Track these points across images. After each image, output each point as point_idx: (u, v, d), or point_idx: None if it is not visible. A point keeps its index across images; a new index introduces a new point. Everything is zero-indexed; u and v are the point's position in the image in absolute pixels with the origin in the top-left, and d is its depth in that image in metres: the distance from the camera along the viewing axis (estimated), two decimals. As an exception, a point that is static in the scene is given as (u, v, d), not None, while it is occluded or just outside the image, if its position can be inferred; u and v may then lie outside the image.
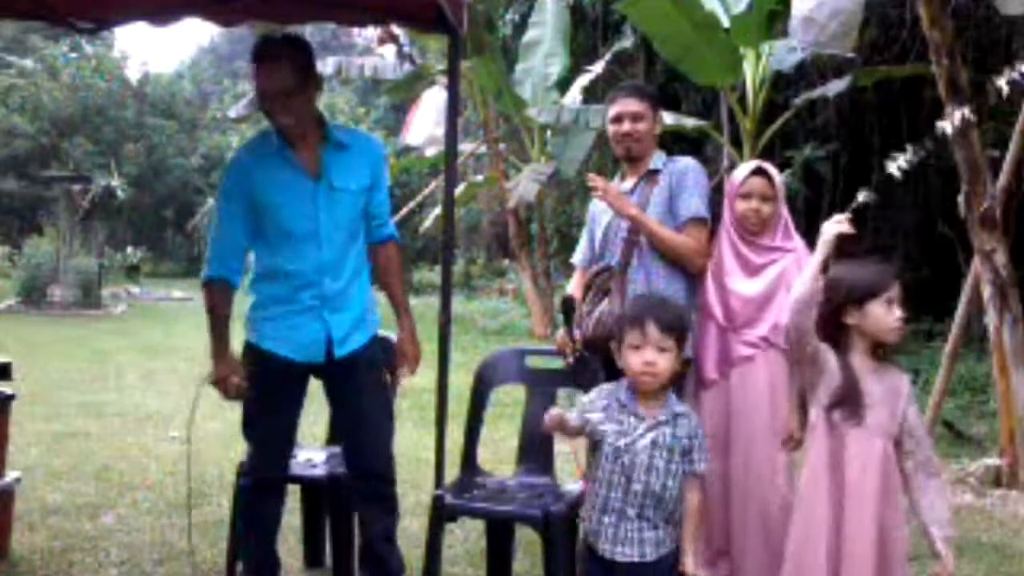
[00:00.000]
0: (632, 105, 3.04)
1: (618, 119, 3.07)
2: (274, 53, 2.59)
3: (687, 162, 3.07)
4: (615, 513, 2.22)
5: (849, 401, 2.33)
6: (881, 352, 2.39)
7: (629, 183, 3.10)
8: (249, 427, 2.84)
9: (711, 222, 3.04)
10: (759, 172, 2.95)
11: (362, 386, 2.79)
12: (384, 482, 2.84)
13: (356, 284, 2.80)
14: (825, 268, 2.79)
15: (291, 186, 2.67)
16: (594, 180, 2.96)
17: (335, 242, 2.72)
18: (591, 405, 2.31)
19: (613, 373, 2.93)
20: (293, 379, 2.78)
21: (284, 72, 2.59)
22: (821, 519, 2.34)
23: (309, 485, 3.26)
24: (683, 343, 2.24)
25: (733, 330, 2.93)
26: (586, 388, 3.07)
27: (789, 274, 2.85)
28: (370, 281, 2.87)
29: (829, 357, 2.38)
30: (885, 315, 2.33)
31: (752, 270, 2.92)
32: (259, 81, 2.61)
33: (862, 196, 2.51)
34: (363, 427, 2.79)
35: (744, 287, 2.92)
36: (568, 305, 3.10)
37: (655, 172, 3.05)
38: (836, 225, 2.36)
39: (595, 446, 2.30)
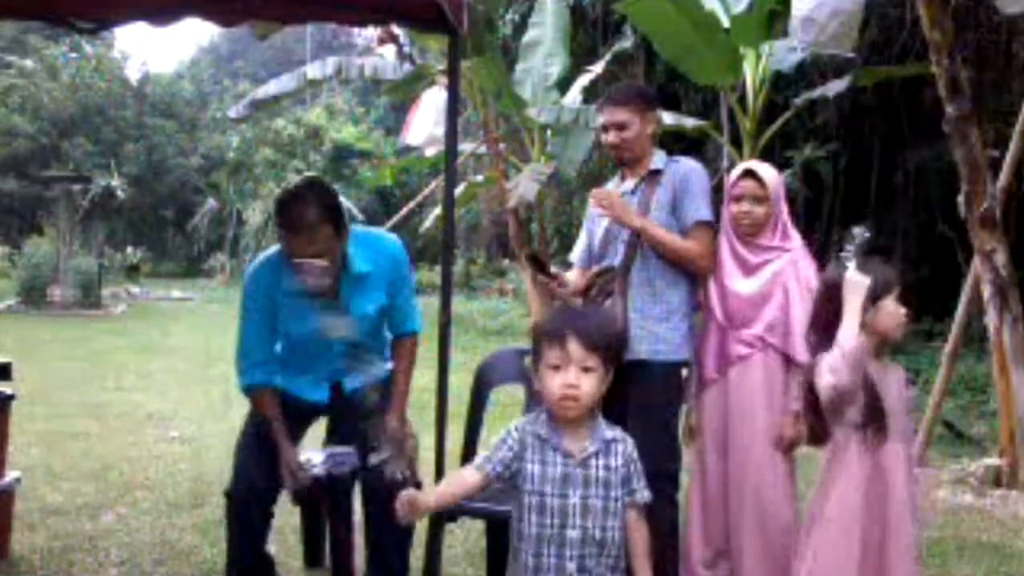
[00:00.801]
0: (616, 114, 3.02)
1: (605, 129, 3.07)
2: (306, 221, 2.54)
3: (689, 164, 3.06)
4: (552, 572, 1.87)
5: (877, 418, 2.33)
6: (883, 351, 2.39)
7: (630, 183, 3.09)
8: (243, 445, 2.84)
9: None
10: (749, 174, 2.95)
11: (379, 398, 2.80)
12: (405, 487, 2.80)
13: (373, 361, 2.90)
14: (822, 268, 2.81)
15: (308, 315, 2.73)
16: (598, 197, 2.95)
17: (349, 353, 2.82)
18: (500, 449, 1.96)
19: (614, 376, 2.94)
20: (298, 412, 2.81)
21: (317, 239, 2.56)
22: (854, 538, 2.31)
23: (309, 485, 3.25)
24: (611, 363, 1.92)
25: (732, 329, 2.94)
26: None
27: (784, 274, 2.87)
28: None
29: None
30: (897, 310, 2.35)
31: (749, 269, 2.93)
32: (290, 247, 2.59)
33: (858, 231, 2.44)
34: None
35: (741, 286, 2.93)
36: (533, 259, 3.13)
37: (657, 172, 3.04)
38: (862, 280, 2.29)
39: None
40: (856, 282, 2.30)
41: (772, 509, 2.83)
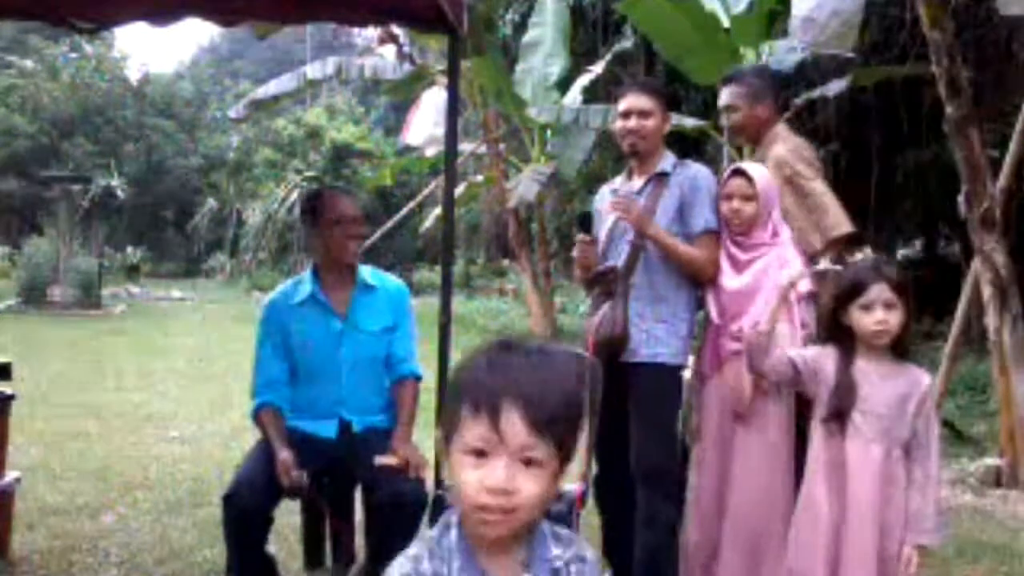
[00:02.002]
0: (641, 101, 3.01)
1: (626, 115, 3.03)
2: (344, 189, 2.98)
3: (698, 170, 3.05)
4: None
5: (841, 411, 2.34)
6: (900, 351, 2.37)
7: (637, 183, 3.07)
8: (248, 457, 2.83)
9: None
10: (738, 173, 2.97)
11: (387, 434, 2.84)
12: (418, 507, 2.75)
13: (376, 404, 2.96)
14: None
15: (320, 327, 2.90)
16: (619, 201, 2.93)
17: (353, 379, 2.90)
18: None
19: (614, 377, 2.95)
20: (307, 449, 2.79)
21: (355, 200, 3.05)
22: (822, 529, 2.34)
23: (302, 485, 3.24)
24: (569, 450, 1.15)
25: (723, 325, 2.95)
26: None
27: (771, 269, 2.88)
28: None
29: (827, 364, 2.39)
30: (861, 319, 2.33)
31: (739, 267, 2.95)
32: (336, 208, 2.91)
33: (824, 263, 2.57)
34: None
35: (731, 283, 2.94)
36: (584, 217, 3.10)
37: (664, 175, 3.02)
38: (790, 276, 2.52)
39: None
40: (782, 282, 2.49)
41: (757, 505, 2.84)
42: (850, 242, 3.03)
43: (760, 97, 3.24)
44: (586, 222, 3.09)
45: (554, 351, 1.21)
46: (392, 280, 3.10)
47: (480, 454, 1.11)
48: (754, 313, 2.87)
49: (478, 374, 1.15)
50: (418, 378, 2.99)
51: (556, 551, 1.21)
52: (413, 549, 1.20)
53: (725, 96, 3.27)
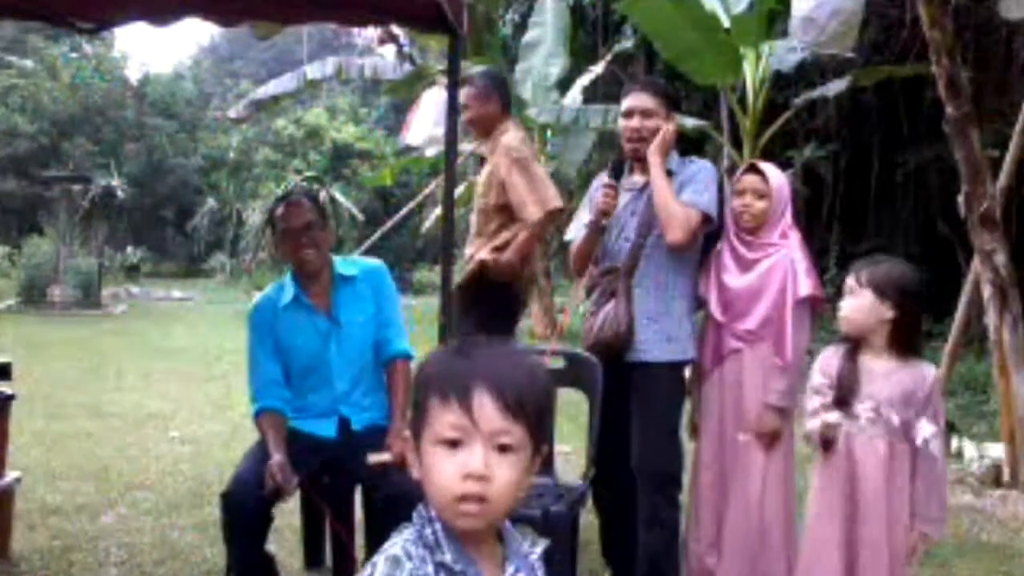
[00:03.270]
0: (644, 101, 2.98)
1: (628, 114, 3.01)
2: (296, 198, 3.01)
3: (700, 163, 3.04)
4: None
5: (842, 403, 2.37)
6: (904, 348, 2.39)
7: (639, 179, 3.03)
8: (247, 454, 2.83)
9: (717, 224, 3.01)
10: (752, 169, 2.97)
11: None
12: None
13: (373, 400, 2.95)
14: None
15: (306, 327, 2.91)
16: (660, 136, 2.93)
17: (346, 375, 2.90)
18: None
19: (615, 377, 2.95)
20: (307, 448, 2.80)
21: (305, 209, 2.92)
22: (834, 523, 2.36)
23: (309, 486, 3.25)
24: (541, 439, 1.15)
25: (726, 323, 2.95)
26: (586, 390, 3.08)
27: (779, 270, 2.88)
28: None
29: (833, 360, 2.41)
30: (848, 306, 2.41)
31: (745, 266, 2.95)
32: (285, 220, 2.91)
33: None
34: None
35: (736, 281, 2.94)
36: (617, 164, 3.05)
37: (668, 174, 2.97)
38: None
39: None
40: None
41: (756, 503, 2.84)
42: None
43: (488, 96, 3.78)
44: (618, 169, 3.04)
45: (516, 345, 1.22)
46: (368, 262, 3.09)
47: (452, 444, 1.10)
48: (759, 313, 2.87)
49: (444, 365, 1.15)
50: (409, 357, 2.95)
51: (527, 546, 1.22)
52: (401, 539, 1.16)
53: (460, 96, 3.65)
